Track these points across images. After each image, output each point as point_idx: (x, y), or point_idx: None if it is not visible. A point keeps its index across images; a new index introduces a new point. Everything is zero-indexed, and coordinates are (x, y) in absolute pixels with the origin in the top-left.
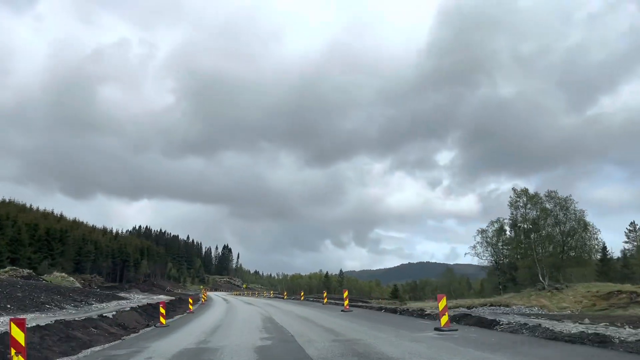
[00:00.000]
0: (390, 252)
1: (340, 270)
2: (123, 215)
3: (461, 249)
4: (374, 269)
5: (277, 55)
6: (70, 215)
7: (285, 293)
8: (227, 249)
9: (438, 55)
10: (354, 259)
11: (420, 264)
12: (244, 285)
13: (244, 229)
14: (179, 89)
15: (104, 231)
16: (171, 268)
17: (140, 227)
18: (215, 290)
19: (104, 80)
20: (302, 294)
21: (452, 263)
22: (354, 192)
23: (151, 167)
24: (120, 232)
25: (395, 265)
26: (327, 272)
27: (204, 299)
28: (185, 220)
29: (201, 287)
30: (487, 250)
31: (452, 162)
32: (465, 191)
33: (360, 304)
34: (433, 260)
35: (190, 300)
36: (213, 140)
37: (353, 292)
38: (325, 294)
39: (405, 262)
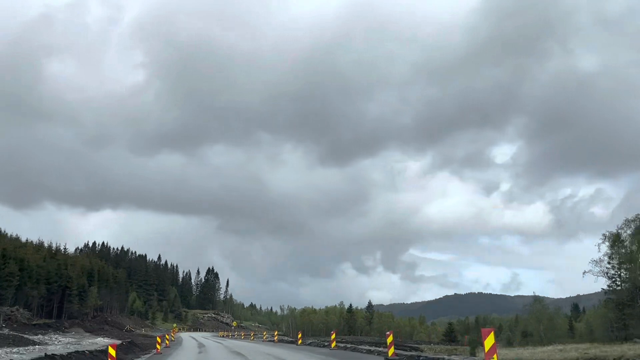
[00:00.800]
0: (430, 279)
1: (369, 303)
2: (79, 230)
3: (525, 275)
4: (409, 302)
5: (281, 20)
6: (7, 230)
7: (299, 336)
8: (212, 274)
9: (496, 17)
10: (382, 288)
11: (471, 295)
12: (234, 323)
13: (236, 249)
14: (150, 64)
15: (38, 247)
16: (135, 299)
17: (95, 243)
18: (196, 329)
19: (52, 52)
20: (333, 336)
21: (512, 295)
22: (382, 199)
23: (114, 167)
24: (63, 248)
25: (437, 297)
26: (350, 305)
27: (159, 347)
28: (159, 238)
29: (174, 325)
30: (621, 266)
31: (514, 159)
32: (532, 198)
33: (423, 355)
34: (487, 292)
35: None
36: (196, 130)
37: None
38: (390, 339)
39: (450, 292)
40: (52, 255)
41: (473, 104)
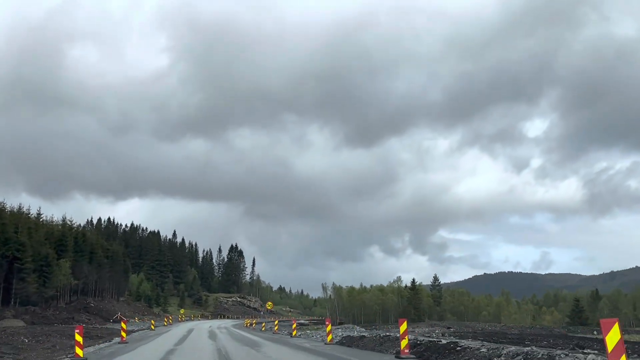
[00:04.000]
0: (459, 260)
1: (435, 278)
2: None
3: (556, 253)
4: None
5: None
6: None
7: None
8: (236, 252)
9: None
10: (410, 270)
11: (500, 275)
12: (269, 306)
13: (263, 234)
14: (174, 48)
15: None
16: (142, 281)
17: (100, 219)
18: (219, 316)
19: (75, 38)
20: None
21: (543, 273)
22: (410, 179)
23: (140, 154)
24: (32, 213)
25: (467, 277)
26: (413, 281)
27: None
28: (186, 225)
29: (181, 311)
30: None
31: (547, 133)
32: (565, 173)
33: None
34: (517, 270)
35: None
36: (220, 114)
37: (467, 315)
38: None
39: (480, 272)
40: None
41: (506, 77)
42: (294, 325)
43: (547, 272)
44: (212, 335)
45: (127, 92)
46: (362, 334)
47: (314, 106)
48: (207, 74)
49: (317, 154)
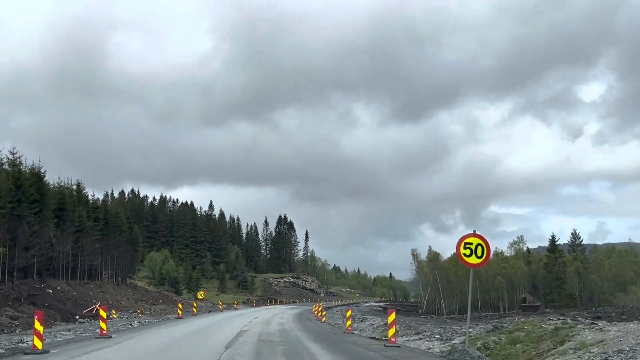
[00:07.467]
0: (512, 234)
1: (574, 236)
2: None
3: (612, 223)
4: (580, 240)
5: None
6: None
7: None
8: (285, 224)
9: None
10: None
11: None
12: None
13: (312, 215)
14: (217, 30)
15: None
16: (167, 259)
17: (122, 192)
18: (269, 301)
19: (117, 26)
20: None
21: (600, 243)
22: (461, 152)
23: (186, 140)
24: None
25: None
26: (553, 239)
27: None
28: (237, 210)
29: (199, 293)
30: None
31: (604, 97)
32: (625, 138)
33: None
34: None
35: None
36: (266, 95)
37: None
38: None
39: (534, 246)
40: None
41: (561, 38)
42: None
43: (604, 242)
44: None
45: (171, 78)
46: None
47: (359, 82)
48: (251, 55)
49: (364, 130)
